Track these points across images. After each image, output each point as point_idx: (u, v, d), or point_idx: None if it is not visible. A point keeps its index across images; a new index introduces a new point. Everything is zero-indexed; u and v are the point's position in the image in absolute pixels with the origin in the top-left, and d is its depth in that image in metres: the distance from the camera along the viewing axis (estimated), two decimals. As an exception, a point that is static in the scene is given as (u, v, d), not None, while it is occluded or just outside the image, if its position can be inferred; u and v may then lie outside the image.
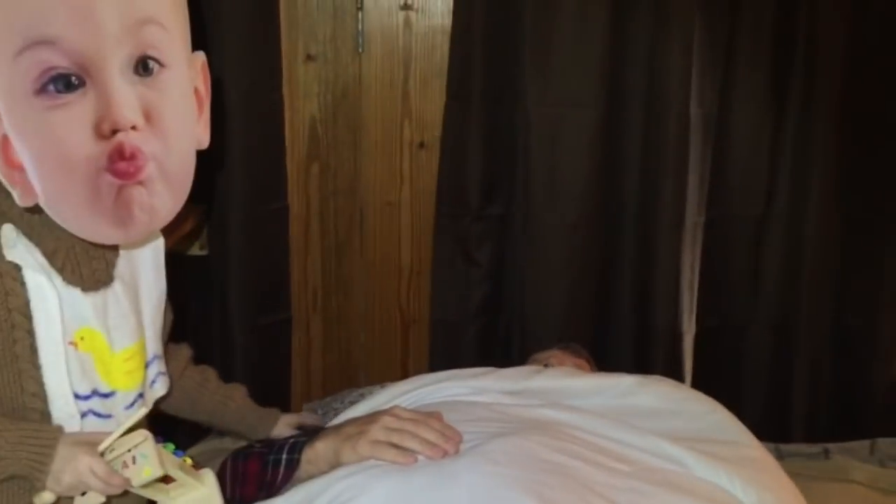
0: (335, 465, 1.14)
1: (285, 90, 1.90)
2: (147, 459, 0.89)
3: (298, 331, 2.06)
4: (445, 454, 1.10)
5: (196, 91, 0.95)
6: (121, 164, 0.83)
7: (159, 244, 1.09)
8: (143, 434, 0.91)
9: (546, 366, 1.54)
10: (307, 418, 1.49)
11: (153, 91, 0.85)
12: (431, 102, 1.97)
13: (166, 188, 0.88)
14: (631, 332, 1.98)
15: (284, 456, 1.20)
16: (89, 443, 0.91)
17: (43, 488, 0.91)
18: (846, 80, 1.91)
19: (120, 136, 0.82)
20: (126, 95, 0.83)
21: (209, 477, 0.99)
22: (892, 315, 1.97)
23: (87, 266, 0.97)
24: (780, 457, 1.70)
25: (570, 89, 1.85)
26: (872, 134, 1.93)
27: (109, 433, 0.91)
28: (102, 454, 0.90)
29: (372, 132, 1.99)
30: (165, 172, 0.87)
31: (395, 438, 1.12)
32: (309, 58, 1.95)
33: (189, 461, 0.98)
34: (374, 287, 2.08)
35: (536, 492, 1.02)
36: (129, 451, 0.90)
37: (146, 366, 1.04)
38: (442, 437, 1.12)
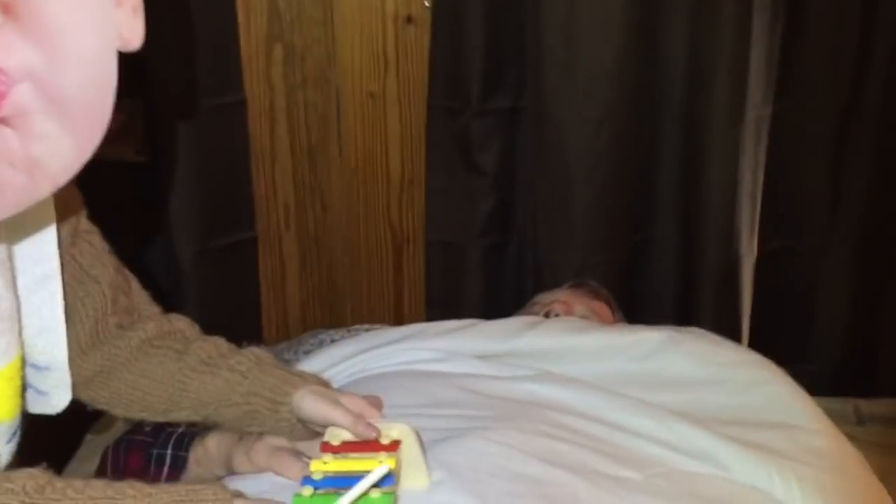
0: (229, 469, 1.01)
1: (235, -47, 1.71)
2: None
3: (267, 254, 1.90)
4: None
5: None
6: None
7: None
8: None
9: (547, 314, 1.37)
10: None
11: None
12: (420, -36, 1.72)
13: (59, 123, 0.60)
14: (672, 258, 1.82)
15: (169, 451, 1.12)
16: None
17: None
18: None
19: None
20: None
21: None
22: None
23: None
24: (860, 421, 1.61)
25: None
26: None
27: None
28: None
29: (347, 5, 1.77)
30: (55, 96, 0.59)
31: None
32: (264, -89, 1.72)
33: None
34: (358, 199, 1.90)
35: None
36: None
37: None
38: None
